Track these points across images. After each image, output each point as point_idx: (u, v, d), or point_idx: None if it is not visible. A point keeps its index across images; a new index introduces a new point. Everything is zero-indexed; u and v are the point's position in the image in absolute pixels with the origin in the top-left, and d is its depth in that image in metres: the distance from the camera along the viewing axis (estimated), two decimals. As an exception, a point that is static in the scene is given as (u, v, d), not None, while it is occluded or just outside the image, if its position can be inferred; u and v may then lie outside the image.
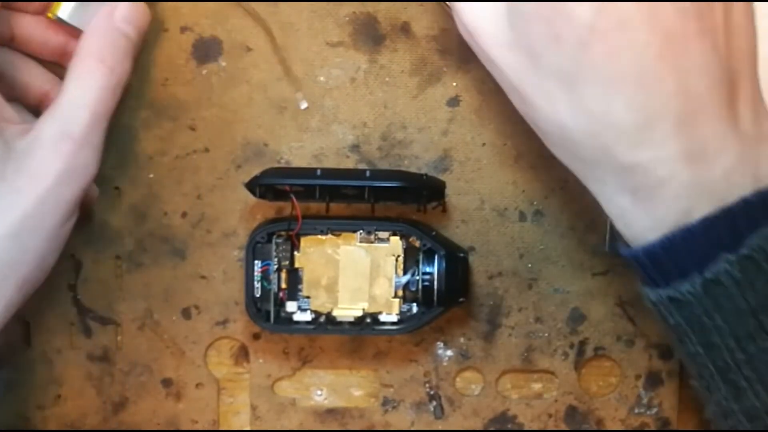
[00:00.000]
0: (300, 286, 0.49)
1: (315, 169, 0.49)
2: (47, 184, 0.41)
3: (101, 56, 0.43)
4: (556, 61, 0.37)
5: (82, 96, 0.42)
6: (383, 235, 0.49)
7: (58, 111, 0.42)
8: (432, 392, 0.55)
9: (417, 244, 0.49)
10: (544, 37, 0.37)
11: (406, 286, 0.49)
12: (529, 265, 0.54)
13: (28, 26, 0.45)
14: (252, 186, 0.49)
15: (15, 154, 0.40)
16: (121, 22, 0.44)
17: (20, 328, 0.53)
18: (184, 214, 0.53)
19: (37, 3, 0.45)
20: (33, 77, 0.46)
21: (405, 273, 0.49)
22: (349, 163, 0.53)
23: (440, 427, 0.55)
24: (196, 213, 0.53)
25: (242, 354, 0.55)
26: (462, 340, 0.54)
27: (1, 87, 0.44)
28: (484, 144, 0.53)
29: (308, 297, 0.49)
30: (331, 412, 0.55)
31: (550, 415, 0.55)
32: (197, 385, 0.54)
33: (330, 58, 0.52)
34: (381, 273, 0.49)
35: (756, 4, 0.50)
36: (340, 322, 0.49)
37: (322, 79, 0.52)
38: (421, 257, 0.49)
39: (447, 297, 0.49)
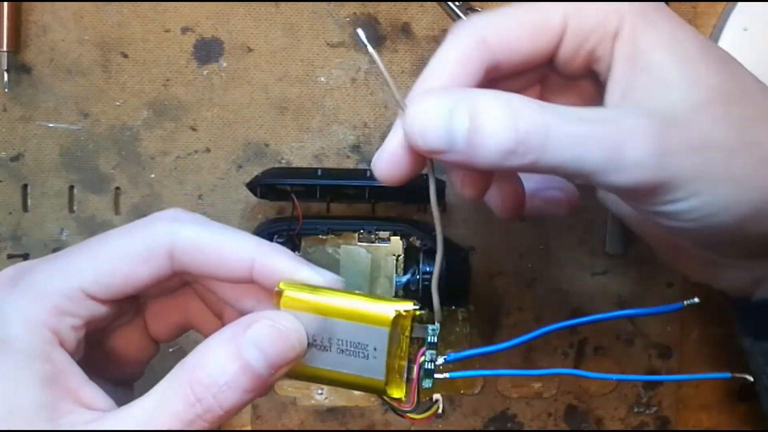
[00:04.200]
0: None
1: (316, 169, 0.49)
2: None
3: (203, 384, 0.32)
4: None
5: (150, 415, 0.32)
6: (384, 234, 0.49)
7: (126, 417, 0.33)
8: (432, 391, 0.55)
9: (417, 244, 0.49)
10: None
11: (406, 286, 0.50)
12: (529, 265, 0.54)
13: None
14: (253, 186, 0.49)
15: None
16: (251, 346, 0.33)
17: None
18: (185, 214, 0.53)
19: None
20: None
21: (405, 272, 0.50)
22: (350, 163, 0.53)
23: (440, 427, 0.55)
24: (198, 213, 0.53)
25: (243, 353, 0.55)
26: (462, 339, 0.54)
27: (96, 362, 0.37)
28: (484, 144, 0.53)
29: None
30: (331, 411, 0.55)
31: (549, 414, 0.56)
32: (198, 385, 0.54)
33: (331, 59, 0.52)
34: (381, 272, 0.49)
35: (756, 4, 0.51)
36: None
37: (322, 79, 0.52)
38: (421, 257, 0.50)
39: (447, 297, 0.49)
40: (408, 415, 0.35)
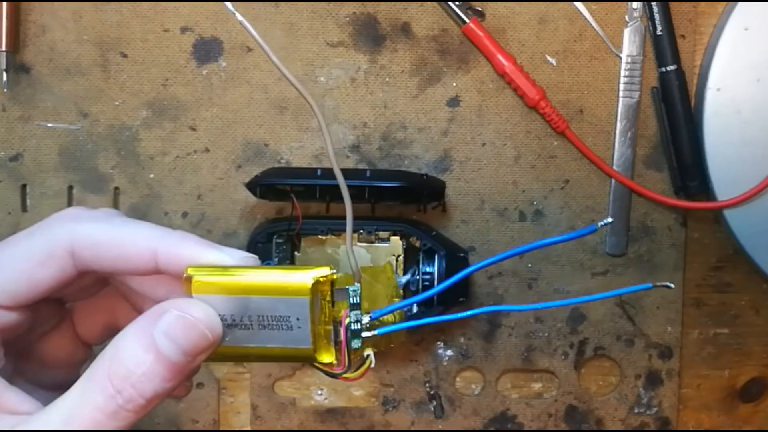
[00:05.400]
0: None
1: (315, 169, 0.49)
2: None
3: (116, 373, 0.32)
4: None
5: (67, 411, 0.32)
6: (383, 234, 0.49)
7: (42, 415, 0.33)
8: (432, 392, 0.55)
9: (417, 244, 0.49)
10: None
11: (406, 286, 0.49)
12: (529, 265, 0.54)
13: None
14: (252, 186, 0.49)
15: None
16: (162, 337, 0.32)
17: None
18: (184, 214, 0.53)
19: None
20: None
21: (405, 273, 0.50)
22: (350, 163, 0.53)
23: (440, 427, 0.55)
24: (197, 213, 0.53)
25: (243, 354, 0.55)
26: (462, 339, 0.54)
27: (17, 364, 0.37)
28: (484, 144, 0.53)
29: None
30: (331, 411, 0.55)
31: (550, 415, 0.55)
32: (198, 385, 0.54)
33: (330, 59, 0.52)
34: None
35: (756, 4, 0.51)
36: (341, 322, 0.49)
37: (322, 79, 0.52)
38: (421, 257, 0.49)
39: (447, 297, 0.49)
40: (342, 376, 0.34)
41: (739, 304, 0.55)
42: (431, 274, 0.49)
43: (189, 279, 0.33)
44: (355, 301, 0.34)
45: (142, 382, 0.32)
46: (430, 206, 0.51)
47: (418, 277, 0.49)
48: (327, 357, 0.34)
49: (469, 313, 0.35)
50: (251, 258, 0.35)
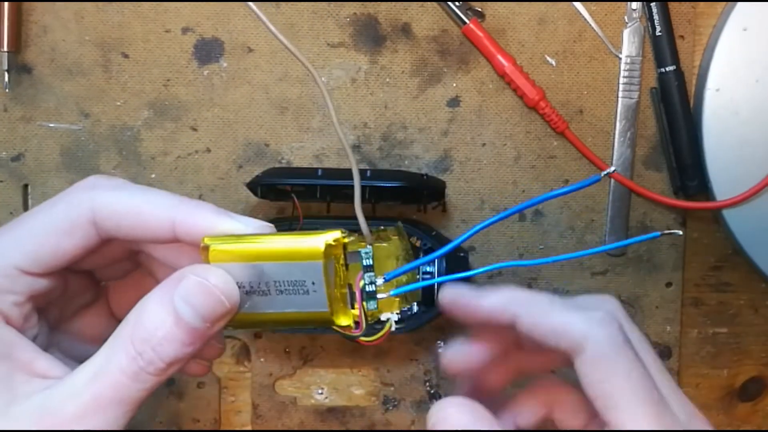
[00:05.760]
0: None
1: (316, 169, 0.49)
2: None
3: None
4: None
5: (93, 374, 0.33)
6: (384, 234, 0.49)
7: (67, 381, 0.34)
8: (432, 391, 0.55)
9: (417, 243, 0.50)
10: None
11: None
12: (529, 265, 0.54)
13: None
14: (253, 186, 0.49)
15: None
16: (181, 301, 0.33)
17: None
18: (185, 214, 0.53)
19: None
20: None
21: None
22: (350, 163, 0.53)
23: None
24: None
25: (243, 353, 0.55)
26: (462, 339, 0.55)
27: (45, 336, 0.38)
28: (484, 144, 0.53)
29: (309, 296, 0.49)
30: (331, 410, 0.55)
31: (549, 414, 0.56)
32: (199, 384, 0.55)
33: (331, 59, 0.52)
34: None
35: (756, 4, 0.51)
36: (341, 321, 0.50)
37: (323, 79, 0.52)
38: (421, 257, 0.50)
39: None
40: (361, 339, 0.35)
41: (738, 304, 0.56)
42: (431, 274, 0.49)
43: (206, 248, 0.34)
44: (368, 263, 0.34)
45: (162, 345, 0.33)
46: (431, 206, 0.51)
47: (418, 277, 0.49)
48: (344, 320, 0.34)
49: (487, 268, 0.36)
50: (267, 226, 0.36)
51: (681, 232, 0.35)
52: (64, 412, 0.33)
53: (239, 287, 0.34)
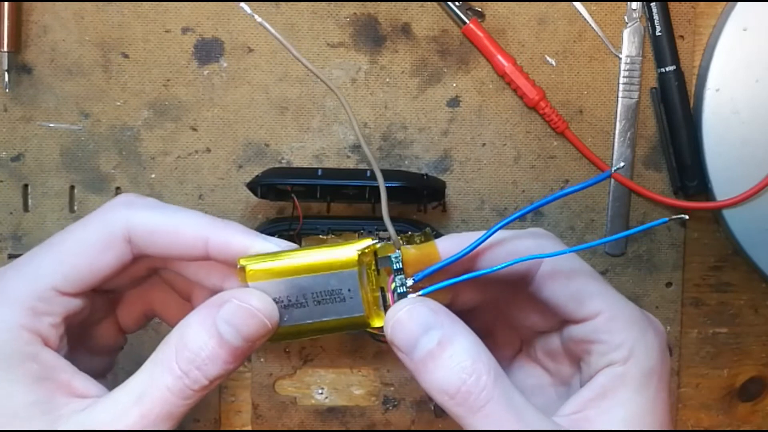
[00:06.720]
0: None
1: (316, 169, 0.49)
2: None
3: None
4: None
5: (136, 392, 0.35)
6: (384, 234, 0.49)
7: (108, 401, 0.35)
8: (432, 391, 0.55)
9: (417, 243, 0.50)
10: None
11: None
12: (529, 265, 0.54)
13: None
14: (253, 186, 0.49)
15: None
16: (224, 324, 0.35)
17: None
18: (185, 214, 0.53)
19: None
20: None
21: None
22: (350, 163, 0.53)
23: (440, 426, 0.55)
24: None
25: (243, 353, 0.55)
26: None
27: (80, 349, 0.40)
28: (484, 144, 0.53)
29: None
30: (331, 410, 0.55)
31: (549, 414, 0.56)
32: (199, 384, 0.55)
33: (331, 59, 0.52)
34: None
35: (756, 4, 0.51)
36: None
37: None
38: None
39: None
40: None
41: (738, 304, 0.56)
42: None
43: (243, 269, 0.36)
44: (398, 267, 0.36)
45: (207, 364, 0.34)
46: (431, 206, 0.52)
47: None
48: (378, 321, 0.36)
49: (505, 264, 0.36)
50: (292, 246, 0.37)
51: (687, 216, 0.37)
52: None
53: (277, 302, 0.36)
